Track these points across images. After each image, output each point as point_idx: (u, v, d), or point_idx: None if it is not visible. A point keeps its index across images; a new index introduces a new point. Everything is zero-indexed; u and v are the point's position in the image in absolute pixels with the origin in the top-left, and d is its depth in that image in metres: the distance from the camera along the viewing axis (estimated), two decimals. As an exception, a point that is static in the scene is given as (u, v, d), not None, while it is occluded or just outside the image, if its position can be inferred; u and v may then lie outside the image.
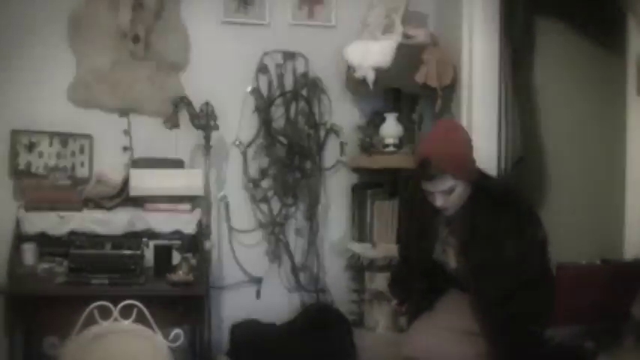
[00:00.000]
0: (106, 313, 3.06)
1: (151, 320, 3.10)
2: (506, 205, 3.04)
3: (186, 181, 4.34)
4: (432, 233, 3.23)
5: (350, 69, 4.47)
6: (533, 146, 4.44)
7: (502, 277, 2.96)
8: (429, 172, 2.99)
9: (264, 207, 4.71)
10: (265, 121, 4.62)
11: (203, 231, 4.33)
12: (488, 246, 2.99)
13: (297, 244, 4.77)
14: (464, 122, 4.19)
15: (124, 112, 4.44)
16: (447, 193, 3.03)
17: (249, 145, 4.65)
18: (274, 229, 4.71)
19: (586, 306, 3.02)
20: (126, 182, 4.28)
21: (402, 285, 3.51)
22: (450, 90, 4.33)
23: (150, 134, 4.44)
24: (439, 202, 3.05)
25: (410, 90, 4.44)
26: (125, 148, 4.45)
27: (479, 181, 3.08)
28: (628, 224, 3.46)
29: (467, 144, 3.09)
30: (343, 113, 4.76)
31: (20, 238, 4.10)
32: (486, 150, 4.07)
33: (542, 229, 3.09)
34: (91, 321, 3.06)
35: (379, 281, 4.30)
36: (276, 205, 4.72)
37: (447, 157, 2.98)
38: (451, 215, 3.14)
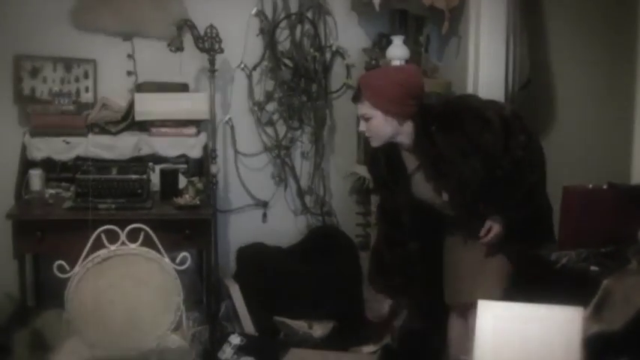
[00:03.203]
0: (113, 237, 3.10)
1: (158, 243, 3.14)
2: (453, 118, 3.09)
3: (191, 104, 4.32)
4: (404, 184, 3.28)
5: (356, -10, 4.40)
6: (540, 69, 4.39)
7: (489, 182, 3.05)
8: (356, 94, 3.18)
9: (269, 130, 4.70)
10: (270, 44, 4.58)
11: (209, 155, 4.33)
12: (456, 165, 3.04)
13: (302, 167, 4.78)
14: (471, 45, 4.13)
15: (127, 36, 4.40)
16: (366, 120, 3.13)
17: (254, 68, 4.61)
18: (280, 152, 4.71)
19: (592, 230, 3.03)
20: (131, 107, 4.26)
21: (388, 277, 3.54)
22: (458, 12, 4.25)
23: (154, 58, 4.40)
24: (361, 126, 3.19)
25: (416, 11, 4.37)
26: (129, 73, 4.42)
27: (421, 115, 3.12)
28: (635, 148, 3.43)
29: (398, 83, 3.12)
30: (349, 35, 4.70)
31: (27, 163, 4.11)
32: (494, 72, 4.03)
33: (502, 112, 3.13)
34: (98, 245, 3.09)
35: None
36: (281, 128, 4.71)
37: (370, 87, 3.12)
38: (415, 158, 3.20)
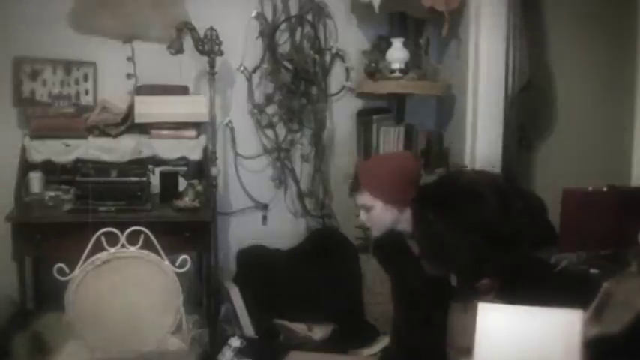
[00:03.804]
0: (113, 240, 3.09)
1: (158, 246, 3.13)
2: (447, 201, 2.93)
3: (191, 107, 4.32)
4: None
5: (355, -7, 4.41)
6: (540, 71, 4.40)
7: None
8: (354, 184, 3.12)
9: (269, 133, 4.70)
10: (270, 47, 4.58)
11: (209, 157, 4.33)
12: (457, 248, 2.95)
13: (302, 169, 4.78)
14: (471, 47, 4.14)
15: (127, 39, 4.41)
16: (366, 210, 3.09)
17: (254, 70, 4.62)
18: (280, 154, 4.72)
19: (592, 232, 3.03)
20: (131, 109, 4.26)
21: None
22: (458, 14, 4.26)
23: (154, 61, 4.39)
24: (362, 216, 3.13)
25: (416, 14, 4.38)
26: (129, 75, 4.42)
27: (417, 201, 2.99)
28: (635, 150, 3.44)
29: (397, 170, 3.09)
30: (349, 38, 4.71)
31: (26, 166, 4.11)
32: (493, 74, 4.04)
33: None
34: (98, 248, 3.09)
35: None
36: (281, 130, 4.72)
37: (369, 177, 3.08)
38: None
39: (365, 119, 4.59)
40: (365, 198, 3.07)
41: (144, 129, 4.28)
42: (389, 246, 3.25)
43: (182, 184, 4.20)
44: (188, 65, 4.40)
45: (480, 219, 2.87)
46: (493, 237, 2.85)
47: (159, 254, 3.14)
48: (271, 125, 4.69)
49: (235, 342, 4.02)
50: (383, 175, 3.08)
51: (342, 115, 4.77)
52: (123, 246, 3.10)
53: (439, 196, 3.01)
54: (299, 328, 4.23)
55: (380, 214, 3.08)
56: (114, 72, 4.41)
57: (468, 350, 2.61)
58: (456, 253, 2.90)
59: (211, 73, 4.29)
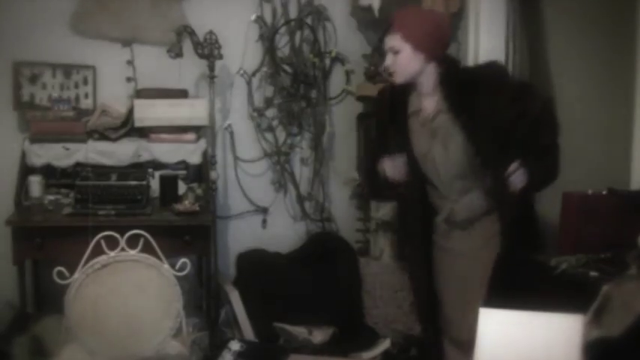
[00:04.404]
0: (113, 244, 3.09)
1: (158, 250, 3.13)
2: (495, 84, 3.13)
3: (190, 110, 4.32)
4: (403, 132, 3.30)
5: (355, -4, 4.41)
6: (540, 74, 4.40)
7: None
8: (387, 28, 3.18)
9: (269, 136, 4.70)
10: (270, 50, 4.58)
11: (208, 161, 4.33)
12: (491, 128, 3.06)
13: (302, 173, 4.78)
14: (470, 50, 4.15)
15: (126, 42, 4.41)
16: (394, 53, 3.13)
17: (253, 74, 4.61)
18: (279, 158, 4.72)
19: (591, 235, 3.04)
20: (130, 113, 4.27)
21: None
22: (457, 18, 4.27)
23: (153, 64, 4.40)
24: (387, 60, 3.17)
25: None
26: (129, 79, 4.42)
27: (448, 63, 3.19)
28: (635, 154, 3.44)
29: (433, 21, 3.19)
30: (348, 41, 4.71)
31: (26, 170, 4.12)
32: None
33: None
34: (98, 251, 3.09)
35: (384, 210, 4.31)
36: (281, 134, 4.71)
37: (404, 20, 3.14)
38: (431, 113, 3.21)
39: (365, 123, 4.58)
40: (395, 40, 3.12)
41: (143, 132, 4.29)
42: (388, 101, 3.37)
43: (182, 187, 4.20)
44: (188, 69, 4.39)
45: (502, 105, 3.05)
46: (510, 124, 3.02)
47: (158, 258, 3.14)
48: (271, 129, 4.69)
49: (235, 345, 4.03)
50: (417, 21, 3.15)
51: (341, 118, 4.76)
52: (122, 250, 3.11)
53: (470, 73, 3.32)
54: (299, 331, 4.22)
55: (407, 59, 3.13)
56: (113, 75, 4.41)
57: (467, 344, 2.64)
58: (483, 116, 3.04)
59: (211, 77, 4.29)
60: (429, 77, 3.16)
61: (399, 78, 3.18)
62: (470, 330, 2.51)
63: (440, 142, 3.16)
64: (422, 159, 3.24)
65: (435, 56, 3.13)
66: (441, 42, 3.16)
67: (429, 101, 3.20)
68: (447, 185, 3.21)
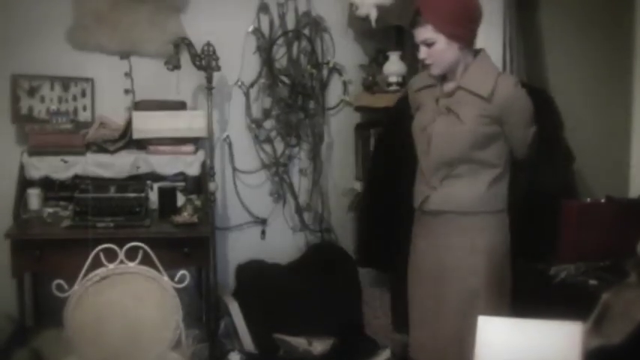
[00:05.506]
0: (111, 256, 3.09)
1: (157, 262, 3.12)
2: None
3: (188, 122, 4.33)
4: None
5: (352, 7, 4.40)
6: (537, 81, 4.40)
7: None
8: (414, 19, 3.02)
9: (267, 147, 4.70)
10: (267, 61, 4.59)
11: (207, 172, 4.33)
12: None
13: (301, 184, 4.78)
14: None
15: (124, 55, 4.41)
16: (428, 46, 3.00)
17: (251, 85, 4.62)
18: (278, 169, 4.72)
19: (590, 243, 3.03)
20: (128, 125, 4.27)
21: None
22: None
23: (151, 76, 4.41)
24: (422, 54, 3.03)
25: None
26: (127, 91, 4.43)
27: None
28: (633, 161, 3.44)
29: (461, 5, 3.03)
30: (346, 52, 4.72)
31: (25, 183, 4.11)
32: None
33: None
34: (97, 264, 3.08)
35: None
36: (279, 145, 4.72)
37: (431, 8, 2.98)
38: None
39: (363, 133, 4.59)
40: (427, 32, 2.98)
41: (142, 145, 4.29)
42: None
43: (180, 199, 4.20)
44: (185, 80, 4.40)
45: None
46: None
47: (158, 270, 3.13)
48: (269, 140, 4.70)
49: (235, 357, 4.04)
50: (445, 8, 2.98)
51: (340, 128, 4.77)
52: (122, 262, 3.10)
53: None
54: (299, 342, 4.22)
55: (442, 49, 2.99)
56: (111, 88, 4.42)
57: None
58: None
59: (209, 88, 4.29)
60: (465, 66, 3.05)
61: (436, 70, 3.05)
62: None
63: (445, 120, 3.05)
64: (419, 134, 3.13)
65: (470, 40, 3.04)
66: (472, 24, 3.04)
67: (451, 80, 3.11)
68: (432, 169, 3.08)
